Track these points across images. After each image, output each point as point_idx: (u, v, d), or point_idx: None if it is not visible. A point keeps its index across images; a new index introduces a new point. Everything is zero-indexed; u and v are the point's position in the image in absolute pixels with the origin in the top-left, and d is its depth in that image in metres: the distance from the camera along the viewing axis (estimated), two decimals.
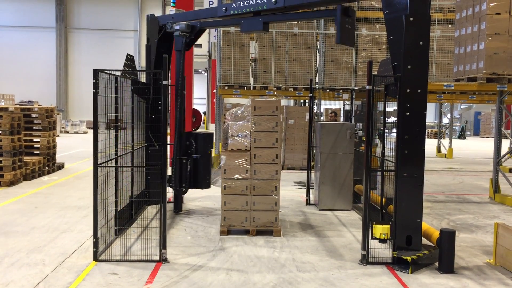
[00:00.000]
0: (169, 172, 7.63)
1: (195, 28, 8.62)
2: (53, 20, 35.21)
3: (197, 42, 9.64)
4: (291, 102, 25.12)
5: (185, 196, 10.06)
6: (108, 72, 6.46)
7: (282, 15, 7.71)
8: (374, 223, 6.25)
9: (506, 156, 11.42)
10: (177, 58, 8.85)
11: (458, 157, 20.93)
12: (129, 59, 8.22)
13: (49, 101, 32.48)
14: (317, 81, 15.12)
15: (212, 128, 27.73)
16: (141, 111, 8.82)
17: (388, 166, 6.74)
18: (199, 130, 10.17)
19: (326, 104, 19.95)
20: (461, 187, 12.94)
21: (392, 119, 6.98)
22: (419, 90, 6.08)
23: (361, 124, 9.97)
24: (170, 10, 9.20)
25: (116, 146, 7.11)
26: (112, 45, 35.75)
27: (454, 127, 34.26)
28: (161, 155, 6.27)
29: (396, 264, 6.14)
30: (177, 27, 8.49)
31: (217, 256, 6.46)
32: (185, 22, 8.47)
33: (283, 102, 26.18)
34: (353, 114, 11.06)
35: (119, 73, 7.15)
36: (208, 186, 9.00)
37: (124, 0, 36.18)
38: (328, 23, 15.00)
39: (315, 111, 13.90)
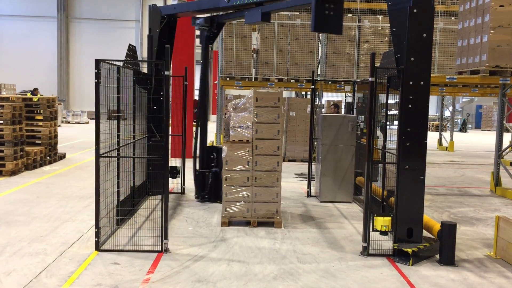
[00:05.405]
0: (172, 162, 7.62)
1: (214, 22, 8.82)
2: (54, 10, 35.05)
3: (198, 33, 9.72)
4: (293, 94, 25.09)
5: (186, 187, 10.08)
6: (110, 62, 6.45)
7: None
8: (375, 215, 6.26)
9: (508, 150, 11.40)
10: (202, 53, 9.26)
11: (459, 150, 20.92)
12: (131, 49, 8.19)
13: (50, 91, 32.43)
14: (319, 73, 15.08)
15: (213, 119, 27.70)
16: (142, 101, 8.81)
17: (390, 159, 6.74)
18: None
19: (328, 96, 19.90)
20: (462, 180, 12.94)
21: (394, 111, 6.96)
22: (422, 83, 6.07)
23: (363, 116, 9.96)
24: (172, 0, 9.17)
25: (118, 136, 7.11)
26: (114, 35, 35.62)
27: (456, 120, 34.19)
28: (163, 146, 6.27)
29: (397, 256, 6.15)
30: (197, 21, 8.87)
31: (218, 247, 6.48)
32: (203, 16, 8.66)
33: (285, 94, 26.14)
34: (355, 107, 11.04)
35: (121, 64, 7.14)
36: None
37: None
38: None
39: (316, 103, 13.87)
